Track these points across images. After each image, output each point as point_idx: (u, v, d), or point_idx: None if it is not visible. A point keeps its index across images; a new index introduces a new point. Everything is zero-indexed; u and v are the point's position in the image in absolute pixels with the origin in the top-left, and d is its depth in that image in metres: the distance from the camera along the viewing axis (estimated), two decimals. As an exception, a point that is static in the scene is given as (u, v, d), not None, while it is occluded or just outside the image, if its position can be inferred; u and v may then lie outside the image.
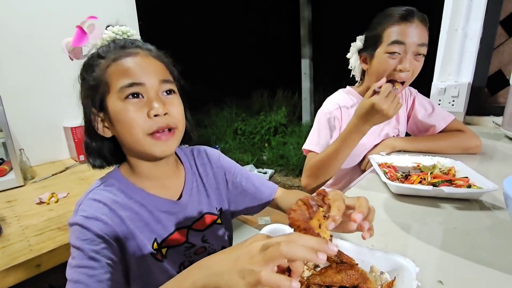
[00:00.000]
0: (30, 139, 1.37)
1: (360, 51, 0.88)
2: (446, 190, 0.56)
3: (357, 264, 0.34)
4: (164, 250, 0.51)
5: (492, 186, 0.56)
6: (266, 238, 0.28)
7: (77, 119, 1.49)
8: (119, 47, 0.47)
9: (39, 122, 1.41)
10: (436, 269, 0.40)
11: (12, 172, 1.14)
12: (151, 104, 0.44)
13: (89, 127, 0.49)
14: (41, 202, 1.01)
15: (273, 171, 3.27)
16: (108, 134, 0.49)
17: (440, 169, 0.71)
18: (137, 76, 0.45)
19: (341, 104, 0.91)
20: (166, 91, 0.48)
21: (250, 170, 3.21)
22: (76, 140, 1.42)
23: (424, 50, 0.78)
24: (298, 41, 4.02)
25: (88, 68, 0.48)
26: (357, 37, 0.89)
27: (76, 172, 1.33)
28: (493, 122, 1.29)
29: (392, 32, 0.77)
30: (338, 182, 0.99)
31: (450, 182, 0.62)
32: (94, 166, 0.52)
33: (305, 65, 4.14)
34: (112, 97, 0.45)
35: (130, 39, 0.50)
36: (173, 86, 0.49)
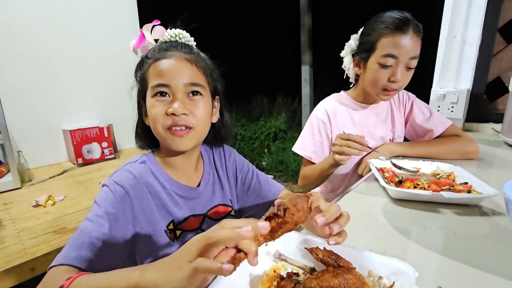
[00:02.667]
0: (29, 142, 1.37)
1: (353, 54, 0.88)
2: (446, 195, 0.56)
3: (354, 268, 0.34)
4: (178, 232, 0.56)
5: (492, 192, 0.55)
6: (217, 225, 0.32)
7: (77, 122, 1.51)
8: (162, 50, 0.53)
9: (38, 125, 1.41)
10: (436, 275, 0.39)
11: (9, 174, 1.14)
12: (172, 104, 0.50)
13: (139, 114, 0.58)
14: (37, 205, 1.00)
15: (272, 176, 3.25)
16: (147, 123, 0.56)
17: (439, 174, 0.70)
18: (165, 78, 0.50)
19: (329, 110, 0.93)
20: (192, 93, 0.52)
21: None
22: (75, 143, 1.42)
23: (414, 64, 0.80)
24: (298, 47, 4.06)
25: (138, 66, 0.56)
26: (352, 36, 0.89)
27: (74, 175, 1.33)
28: (492, 129, 1.29)
29: (386, 44, 0.77)
30: (337, 188, 0.99)
31: (449, 188, 0.61)
32: (138, 146, 0.60)
33: (305, 71, 4.16)
34: (148, 93, 0.52)
35: (174, 43, 0.55)
36: (200, 89, 0.53)
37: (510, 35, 1.28)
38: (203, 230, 0.57)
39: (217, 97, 0.61)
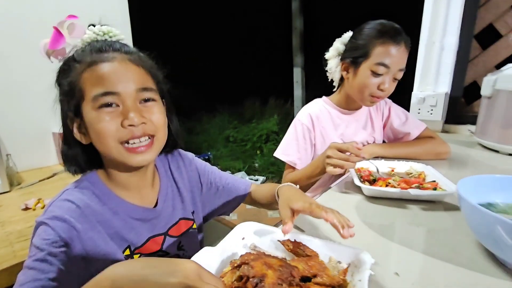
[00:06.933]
0: (18, 145, 1.36)
1: (342, 58, 0.90)
2: (412, 192, 0.61)
3: (317, 255, 0.38)
4: (136, 257, 0.50)
5: (454, 188, 0.60)
6: (197, 273, 0.28)
7: (67, 125, 1.51)
8: (95, 51, 0.45)
9: (27, 128, 1.40)
10: (394, 263, 0.44)
11: (-2, 177, 1.14)
12: (127, 113, 0.43)
13: (66, 132, 0.48)
14: (26, 208, 1.00)
15: (265, 178, 3.29)
16: (84, 141, 0.47)
17: (412, 173, 0.75)
18: (111, 85, 0.42)
19: (313, 115, 0.95)
20: (145, 99, 0.46)
21: (241, 177, 3.24)
22: (65, 146, 1.43)
23: (400, 75, 0.84)
24: (290, 50, 4.12)
25: (63, 72, 0.46)
26: (337, 39, 0.91)
27: (64, 178, 1.33)
28: (469, 130, 1.36)
29: (381, 52, 0.80)
30: (324, 185, 1.03)
31: (418, 186, 0.66)
32: (71, 172, 0.50)
33: (297, 73, 4.23)
34: (86, 105, 0.44)
35: (108, 42, 0.47)
36: (152, 94, 0.47)
37: (485, 42, 1.35)
38: (164, 251, 0.53)
39: (163, 100, 0.53)
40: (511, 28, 1.26)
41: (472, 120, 1.38)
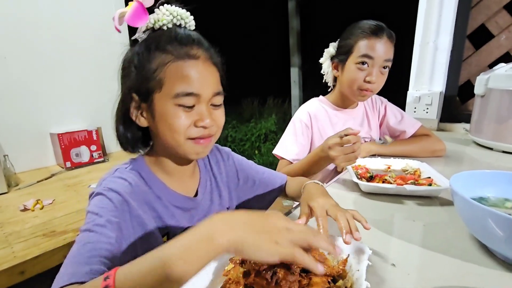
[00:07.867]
0: (15, 146, 1.37)
1: (332, 58, 0.94)
2: (408, 188, 0.62)
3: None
4: None
5: (448, 184, 0.62)
6: (285, 218, 0.33)
7: (64, 126, 1.51)
8: (179, 42, 0.45)
9: (25, 128, 1.41)
10: (391, 255, 0.45)
11: (-4, 178, 1.14)
12: (202, 115, 0.45)
13: (123, 110, 0.48)
14: (25, 209, 1.00)
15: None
16: (143, 123, 0.48)
17: (408, 170, 0.77)
18: (195, 86, 0.44)
19: (311, 113, 0.98)
20: (214, 104, 0.48)
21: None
22: (63, 146, 1.43)
23: (389, 64, 0.87)
24: (287, 50, 4.15)
25: (144, 55, 0.45)
26: (330, 44, 0.96)
27: (63, 179, 1.33)
28: (464, 128, 1.38)
29: (363, 45, 0.84)
30: (324, 179, 1.04)
31: (413, 182, 0.68)
32: (129, 150, 0.52)
33: (294, 73, 4.25)
34: (163, 97, 0.44)
35: (187, 33, 0.46)
36: (222, 98, 0.49)
37: (478, 41, 1.38)
38: None
39: None
40: (502, 28, 1.29)
41: (467, 119, 1.40)
